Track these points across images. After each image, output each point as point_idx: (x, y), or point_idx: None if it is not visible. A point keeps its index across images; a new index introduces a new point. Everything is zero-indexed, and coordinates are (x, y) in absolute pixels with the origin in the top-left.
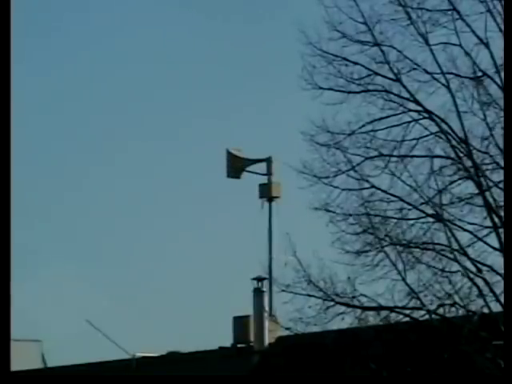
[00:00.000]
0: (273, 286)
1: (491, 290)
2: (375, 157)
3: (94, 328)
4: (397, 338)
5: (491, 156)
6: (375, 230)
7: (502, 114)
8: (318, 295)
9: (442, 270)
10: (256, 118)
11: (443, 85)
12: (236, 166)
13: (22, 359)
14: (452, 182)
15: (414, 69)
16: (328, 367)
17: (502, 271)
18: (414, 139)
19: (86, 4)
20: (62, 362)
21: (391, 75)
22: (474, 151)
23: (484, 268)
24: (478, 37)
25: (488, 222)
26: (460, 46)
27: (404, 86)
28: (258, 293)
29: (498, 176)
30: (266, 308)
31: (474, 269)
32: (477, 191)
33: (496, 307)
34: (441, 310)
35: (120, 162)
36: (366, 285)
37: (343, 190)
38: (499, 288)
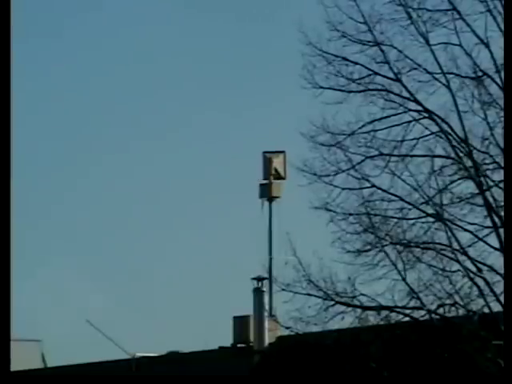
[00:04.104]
0: (273, 286)
1: (491, 290)
2: (375, 156)
3: (94, 328)
4: (397, 338)
5: (491, 156)
6: (375, 229)
7: (502, 113)
8: (318, 295)
9: (443, 270)
10: (256, 117)
11: (443, 84)
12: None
13: (22, 359)
14: (452, 182)
15: (415, 68)
16: (328, 367)
17: (502, 271)
18: (414, 139)
19: (85, 4)
20: (62, 362)
21: (391, 75)
22: (475, 151)
23: (484, 268)
24: (478, 37)
25: (488, 222)
26: (460, 45)
27: (404, 86)
28: (258, 292)
29: (499, 176)
30: (266, 308)
31: (474, 269)
32: (477, 191)
33: (496, 307)
34: (441, 310)
35: (119, 162)
36: (366, 284)
37: (343, 189)
38: (499, 288)
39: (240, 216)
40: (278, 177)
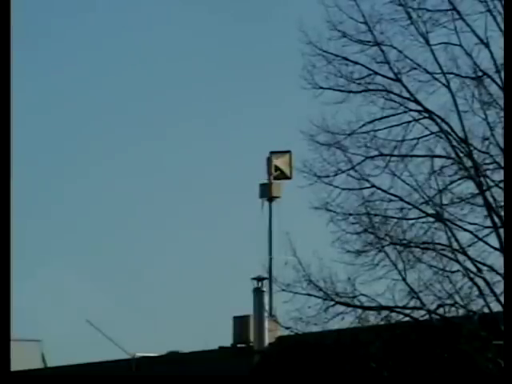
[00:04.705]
0: (273, 286)
1: (491, 290)
2: (375, 156)
3: (94, 328)
4: (397, 338)
5: (491, 156)
6: (375, 229)
7: (502, 113)
8: (318, 295)
9: (443, 270)
10: (256, 117)
11: (443, 84)
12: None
13: (22, 359)
14: (452, 182)
15: (415, 68)
16: (328, 367)
17: (502, 271)
18: (414, 139)
19: (86, 4)
20: (61, 362)
21: (391, 75)
22: (475, 151)
23: (484, 268)
24: (478, 37)
25: (488, 222)
26: (460, 45)
27: (404, 86)
28: (258, 293)
29: (499, 176)
30: (266, 308)
31: (474, 269)
32: (477, 191)
33: (496, 307)
34: (441, 310)
35: (120, 162)
36: (367, 284)
37: (343, 189)
38: (499, 288)
39: (240, 216)
40: (285, 176)
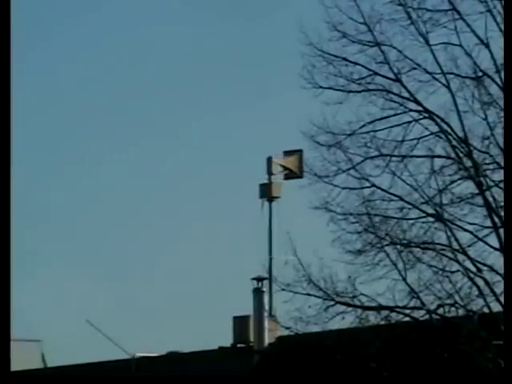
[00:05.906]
0: (273, 286)
1: (491, 290)
2: (376, 156)
3: (94, 328)
4: (397, 338)
5: (491, 156)
6: (375, 229)
7: (502, 113)
8: (318, 295)
9: (443, 270)
10: (256, 117)
11: (443, 85)
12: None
13: (22, 359)
14: (452, 182)
15: (415, 69)
16: (328, 367)
17: (502, 271)
18: (414, 139)
19: (86, 4)
20: (62, 362)
21: (391, 75)
22: (475, 151)
23: (484, 268)
24: (478, 37)
25: (488, 222)
26: (460, 45)
27: (404, 86)
28: (258, 293)
29: (499, 176)
30: (266, 308)
31: (474, 269)
32: (477, 191)
33: (496, 307)
34: (441, 310)
35: (120, 162)
36: (367, 284)
37: (344, 189)
38: (499, 288)
39: (240, 216)
40: (295, 175)
